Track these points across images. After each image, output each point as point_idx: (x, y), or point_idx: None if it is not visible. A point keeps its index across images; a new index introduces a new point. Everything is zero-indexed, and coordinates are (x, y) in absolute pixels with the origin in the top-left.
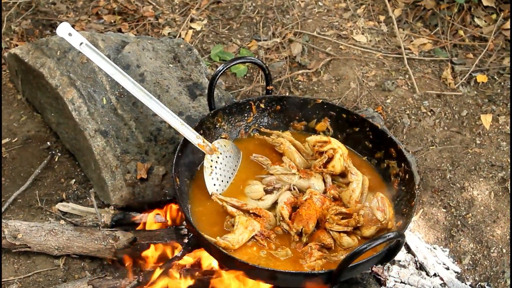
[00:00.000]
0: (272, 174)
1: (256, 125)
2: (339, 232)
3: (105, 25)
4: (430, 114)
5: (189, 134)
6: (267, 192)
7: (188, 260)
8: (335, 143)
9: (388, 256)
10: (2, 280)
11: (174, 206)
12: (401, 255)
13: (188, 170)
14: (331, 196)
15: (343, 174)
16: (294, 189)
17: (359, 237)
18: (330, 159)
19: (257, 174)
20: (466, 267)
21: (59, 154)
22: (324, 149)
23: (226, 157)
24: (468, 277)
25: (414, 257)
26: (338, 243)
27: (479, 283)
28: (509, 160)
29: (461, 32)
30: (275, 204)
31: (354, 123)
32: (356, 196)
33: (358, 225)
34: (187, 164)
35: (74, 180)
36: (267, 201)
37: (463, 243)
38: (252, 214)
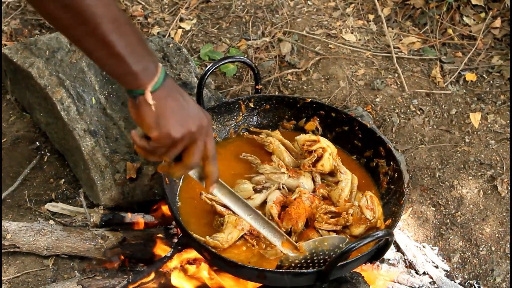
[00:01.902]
0: (261, 173)
1: (246, 124)
2: (328, 231)
3: None
4: (419, 112)
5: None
6: (256, 191)
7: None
8: (324, 142)
9: (377, 255)
10: None
11: (164, 206)
12: (390, 253)
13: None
14: (320, 195)
15: (332, 173)
16: (283, 188)
17: (348, 236)
18: (319, 158)
19: (246, 173)
20: (455, 266)
21: (48, 154)
22: (313, 148)
23: None
24: (457, 275)
25: (403, 255)
26: None
27: (468, 281)
28: (498, 159)
29: (450, 31)
30: (264, 203)
31: (343, 122)
32: (345, 195)
33: (347, 224)
34: None
35: (63, 180)
36: (256, 200)
37: (452, 242)
38: None
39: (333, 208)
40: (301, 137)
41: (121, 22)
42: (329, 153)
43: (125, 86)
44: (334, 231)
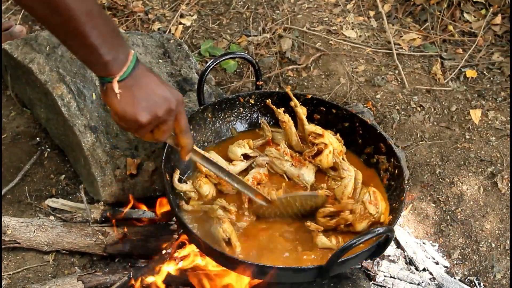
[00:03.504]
0: (266, 155)
1: (247, 120)
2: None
3: None
4: (419, 109)
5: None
6: (244, 157)
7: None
8: (328, 138)
9: (377, 251)
10: None
11: (164, 202)
12: (391, 250)
13: (178, 165)
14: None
15: (335, 168)
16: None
17: (340, 238)
18: (319, 152)
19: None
20: (455, 262)
21: (48, 150)
22: (316, 141)
23: None
24: (457, 271)
25: (404, 252)
26: (313, 242)
27: (468, 277)
28: (498, 155)
29: (450, 27)
30: (244, 172)
31: (344, 118)
32: (348, 192)
33: (347, 223)
34: (176, 160)
35: (63, 175)
36: (236, 167)
37: (452, 238)
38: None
39: (332, 208)
40: (310, 128)
41: (94, 14)
42: (329, 150)
43: (95, 73)
44: (336, 229)
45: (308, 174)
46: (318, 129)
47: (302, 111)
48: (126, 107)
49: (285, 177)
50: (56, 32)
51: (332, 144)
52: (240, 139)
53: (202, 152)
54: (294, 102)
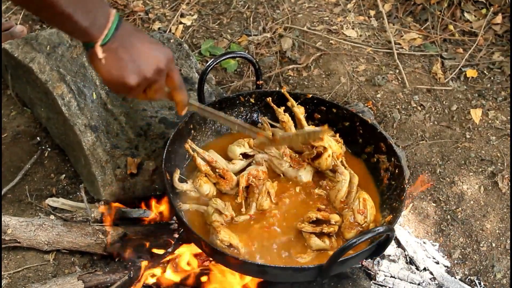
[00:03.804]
0: (265, 153)
1: (247, 119)
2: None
3: None
4: (420, 108)
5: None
6: (243, 156)
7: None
8: (327, 141)
9: (378, 251)
10: None
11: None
12: (391, 249)
13: (178, 164)
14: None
15: (334, 169)
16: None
17: (333, 239)
18: (319, 155)
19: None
20: (455, 262)
21: (49, 149)
22: (316, 144)
23: None
24: (457, 271)
25: (404, 251)
26: (306, 244)
27: (469, 277)
28: (498, 155)
29: (451, 27)
30: (242, 170)
31: (344, 117)
32: (341, 196)
33: (331, 234)
34: (177, 159)
35: (64, 175)
36: (235, 166)
37: (453, 238)
38: (217, 174)
39: (319, 216)
40: (309, 130)
41: None
42: (328, 154)
43: (77, 39)
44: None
45: (305, 176)
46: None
47: (299, 110)
48: (112, 71)
49: (282, 176)
50: (27, 6)
51: (331, 147)
52: (240, 137)
53: (197, 104)
54: (291, 102)
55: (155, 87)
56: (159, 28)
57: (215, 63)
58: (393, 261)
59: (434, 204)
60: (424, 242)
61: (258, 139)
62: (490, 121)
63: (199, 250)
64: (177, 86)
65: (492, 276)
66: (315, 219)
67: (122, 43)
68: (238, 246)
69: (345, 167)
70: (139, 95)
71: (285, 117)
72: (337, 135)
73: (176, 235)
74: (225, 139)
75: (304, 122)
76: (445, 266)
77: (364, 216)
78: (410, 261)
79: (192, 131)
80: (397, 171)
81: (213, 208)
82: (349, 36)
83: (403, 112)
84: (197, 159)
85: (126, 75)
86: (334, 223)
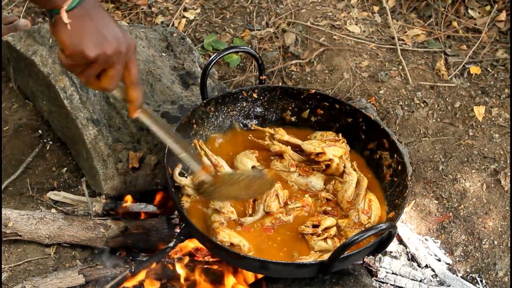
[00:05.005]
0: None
1: (250, 115)
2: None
3: None
4: (423, 105)
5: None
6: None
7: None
8: (329, 154)
9: (379, 247)
10: None
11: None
12: (393, 246)
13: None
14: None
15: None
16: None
17: (335, 239)
18: (328, 166)
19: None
20: (457, 259)
21: (50, 142)
22: (321, 160)
23: None
24: (459, 268)
25: (406, 248)
26: (309, 245)
27: (471, 274)
28: (501, 152)
29: (455, 24)
30: None
31: (347, 113)
32: (347, 196)
33: (329, 237)
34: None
35: (65, 168)
36: None
37: (455, 235)
38: None
39: (315, 222)
40: (308, 148)
41: None
42: (336, 163)
43: (43, 7)
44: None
45: (316, 182)
46: (317, 148)
47: (290, 140)
48: (74, 38)
49: (295, 186)
50: None
51: (336, 156)
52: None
53: (151, 111)
54: (268, 132)
55: (111, 72)
56: (162, 22)
57: (218, 57)
58: (395, 258)
59: (436, 201)
60: (426, 239)
61: (201, 174)
62: (493, 119)
63: (201, 245)
64: (134, 81)
65: (494, 274)
66: (311, 226)
67: (88, 12)
68: (240, 244)
69: (354, 170)
70: (92, 79)
71: (277, 147)
72: (340, 134)
73: (178, 230)
74: (228, 136)
75: (300, 143)
76: (446, 264)
77: (368, 216)
78: (412, 258)
79: (195, 126)
80: (399, 167)
81: (211, 209)
82: (353, 32)
83: (406, 108)
84: (203, 157)
85: (87, 43)
86: (324, 228)
